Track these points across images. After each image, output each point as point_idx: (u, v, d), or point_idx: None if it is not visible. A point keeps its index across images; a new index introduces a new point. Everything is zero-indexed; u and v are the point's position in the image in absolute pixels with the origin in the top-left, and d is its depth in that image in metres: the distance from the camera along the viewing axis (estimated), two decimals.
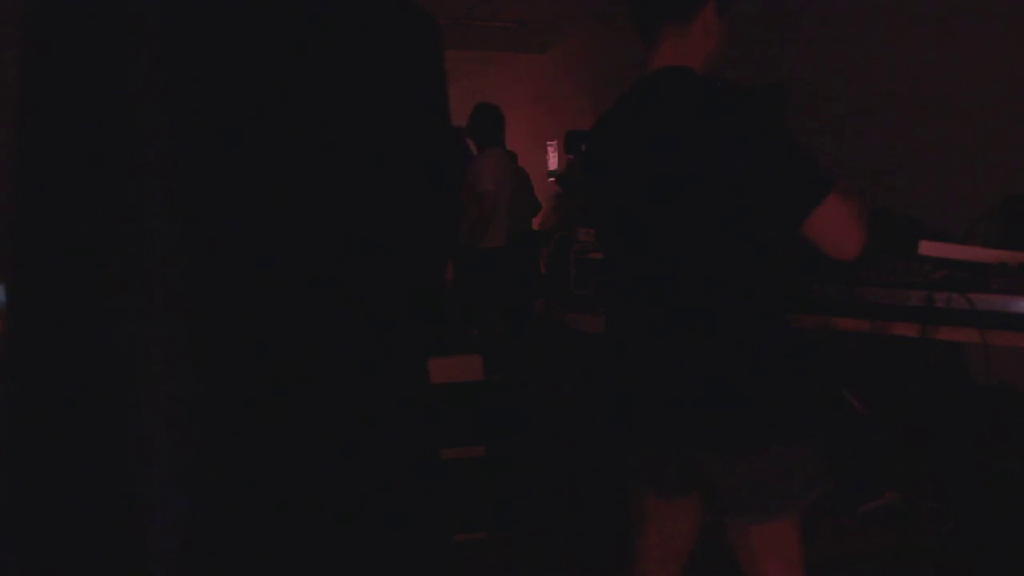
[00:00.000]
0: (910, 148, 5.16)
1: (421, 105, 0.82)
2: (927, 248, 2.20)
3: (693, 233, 1.45)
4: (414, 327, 0.85)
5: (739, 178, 1.39)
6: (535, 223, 6.42)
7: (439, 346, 2.73)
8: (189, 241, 0.69)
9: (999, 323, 1.96)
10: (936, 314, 2.07)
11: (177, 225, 0.69)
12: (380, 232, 0.80)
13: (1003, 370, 2.17)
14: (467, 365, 2.81)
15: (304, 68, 0.73)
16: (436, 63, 0.83)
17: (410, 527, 0.83)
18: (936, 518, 2.76)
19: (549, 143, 9.74)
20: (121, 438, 0.68)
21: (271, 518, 0.72)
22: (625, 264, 1.57)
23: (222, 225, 0.70)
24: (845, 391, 3.26)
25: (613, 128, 1.59)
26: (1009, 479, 2.92)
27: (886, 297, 2.19)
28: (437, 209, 0.88)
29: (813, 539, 2.66)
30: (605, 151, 1.59)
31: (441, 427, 0.87)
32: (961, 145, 4.83)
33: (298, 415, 0.74)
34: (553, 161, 9.75)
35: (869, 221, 1.40)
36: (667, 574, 1.67)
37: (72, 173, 0.70)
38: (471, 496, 2.78)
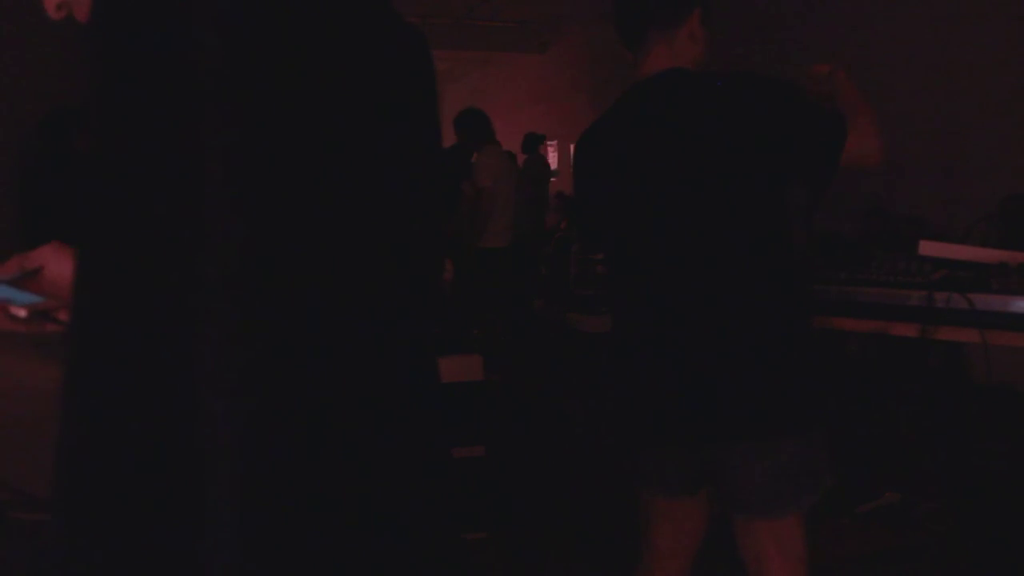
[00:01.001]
0: (910, 148, 5.16)
1: (422, 115, 0.89)
2: (927, 248, 2.20)
3: (724, 223, 1.48)
4: (429, 327, 0.90)
5: (771, 150, 1.45)
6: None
7: (439, 346, 2.73)
8: (245, 245, 0.72)
9: (999, 323, 1.97)
10: (936, 314, 2.07)
11: (235, 230, 0.72)
12: (402, 235, 0.85)
13: (1003, 370, 2.17)
14: (467, 365, 2.81)
15: (336, 87, 0.78)
16: (430, 76, 0.89)
17: (433, 526, 0.87)
18: (936, 518, 2.76)
19: (549, 143, 9.74)
20: (178, 440, 0.71)
21: (320, 516, 0.75)
22: (643, 262, 1.57)
23: (277, 230, 0.74)
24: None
25: (624, 129, 1.58)
26: (1009, 479, 2.92)
27: (886, 297, 2.19)
28: (436, 212, 0.94)
29: (813, 539, 2.66)
30: (618, 153, 1.58)
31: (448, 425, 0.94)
32: (961, 145, 4.83)
33: (348, 416, 0.78)
34: (553, 161, 9.76)
35: (874, 118, 1.56)
36: (674, 572, 1.68)
37: (134, 175, 0.72)
38: (471, 496, 2.78)
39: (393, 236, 0.84)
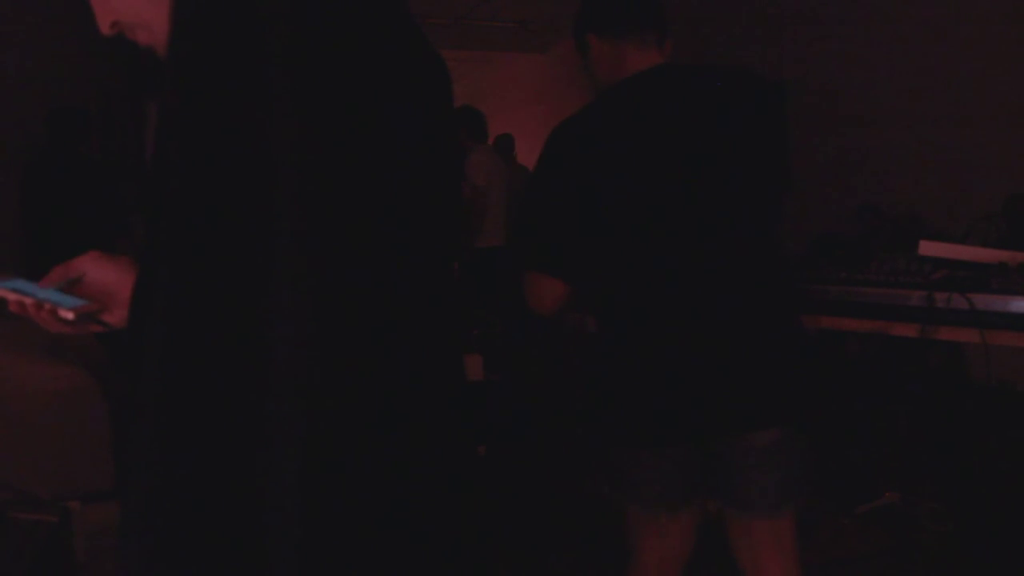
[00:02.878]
0: (910, 148, 5.15)
1: (447, 125, 0.96)
2: (927, 248, 2.20)
3: (734, 211, 1.50)
4: (459, 324, 0.96)
5: (765, 153, 1.50)
6: None
7: None
8: (314, 243, 0.77)
9: (999, 323, 1.97)
10: (936, 314, 2.07)
11: (304, 228, 0.76)
12: (443, 238, 0.92)
13: (1003, 370, 2.17)
14: (467, 365, 2.81)
15: (391, 98, 0.85)
16: (451, 92, 0.96)
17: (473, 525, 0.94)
18: (936, 518, 2.76)
19: None
20: (247, 434, 0.75)
21: (378, 515, 0.80)
22: (651, 257, 1.53)
23: (344, 229, 0.78)
24: None
25: (626, 123, 1.54)
26: (1009, 479, 2.92)
27: (886, 297, 2.19)
28: (457, 215, 0.99)
29: (813, 539, 2.66)
30: (621, 146, 1.53)
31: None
32: (961, 145, 4.83)
33: (408, 413, 0.83)
34: None
35: None
36: None
37: (208, 175, 0.77)
38: None
39: (438, 239, 0.90)
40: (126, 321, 0.93)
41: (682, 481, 1.57)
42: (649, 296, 1.53)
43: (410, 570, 0.83)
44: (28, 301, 0.94)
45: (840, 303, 2.28)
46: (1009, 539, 2.61)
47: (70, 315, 0.93)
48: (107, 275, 0.98)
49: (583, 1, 1.66)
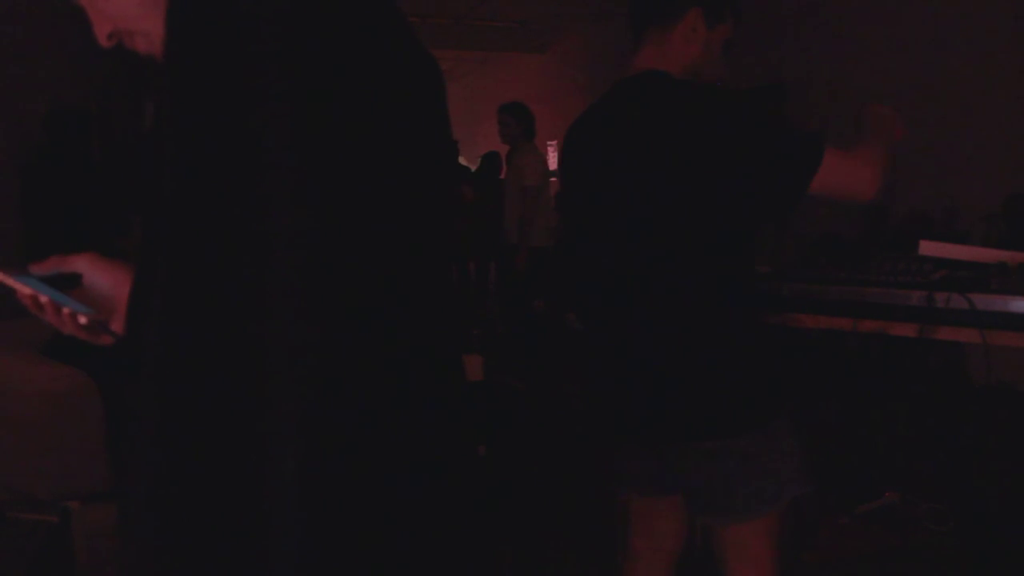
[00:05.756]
0: (910, 148, 5.15)
1: (444, 125, 0.96)
2: (927, 248, 2.20)
3: (656, 231, 1.45)
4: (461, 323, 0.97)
5: (719, 168, 1.37)
6: None
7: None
8: (312, 242, 0.76)
9: (999, 323, 1.96)
10: (936, 314, 2.07)
11: (301, 227, 0.76)
12: (445, 237, 0.93)
13: (1003, 370, 2.17)
14: (467, 365, 2.80)
15: (385, 97, 0.84)
16: (445, 91, 0.96)
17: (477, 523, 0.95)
18: (936, 518, 2.76)
19: (549, 143, 9.74)
20: (247, 433, 0.75)
21: (381, 516, 0.80)
22: (594, 261, 1.57)
23: (340, 228, 0.78)
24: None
25: (587, 130, 1.58)
26: (1009, 479, 2.92)
27: (886, 297, 2.18)
28: (454, 216, 1.00)
29: (813, 539, 2.66)
30: (577, 153, 1.59)
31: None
32: (961, 145, 4.83)
33: (407, 411, 0.83)
34: (554, 161, 9.77)
35: (888, 161, 1.45)
36: (658, 574, 1.68)
37: (205, 175, 0.77)
38: None
39: (437, 239, 0.90)
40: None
41: (653, 473, 1.57)
42: (589, 301, 1.61)
43: (410, 568, 0.83)
44: (44, 300, 0.94)
45: (840, 303, 2.28)
46: (1009, 539, 2.61)
47: (84, 320, 0.94)
48: (103, 280, 0.98)
49: None
